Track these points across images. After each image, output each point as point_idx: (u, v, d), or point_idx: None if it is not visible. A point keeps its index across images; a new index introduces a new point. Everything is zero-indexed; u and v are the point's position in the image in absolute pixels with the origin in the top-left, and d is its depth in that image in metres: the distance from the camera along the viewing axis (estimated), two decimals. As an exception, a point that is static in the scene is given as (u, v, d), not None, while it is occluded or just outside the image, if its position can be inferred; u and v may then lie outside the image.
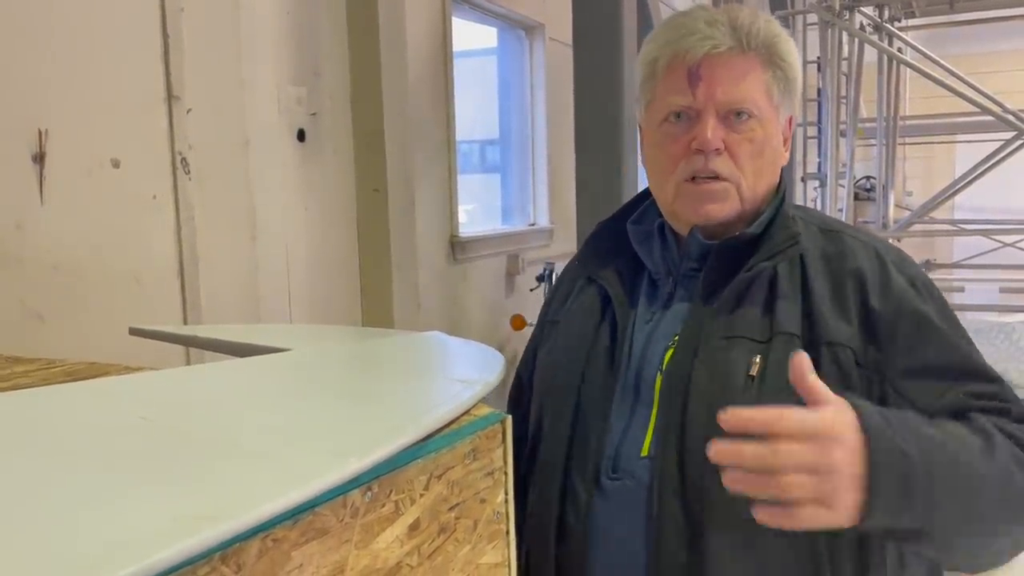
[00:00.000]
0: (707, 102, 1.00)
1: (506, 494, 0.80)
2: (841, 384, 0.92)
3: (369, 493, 0.61)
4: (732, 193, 1.02)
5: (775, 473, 0.76)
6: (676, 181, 1.03)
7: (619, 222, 1.15)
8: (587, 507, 1.01)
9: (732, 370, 0.96)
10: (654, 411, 1.00)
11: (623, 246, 1.13)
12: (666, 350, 1.02)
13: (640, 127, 1.12)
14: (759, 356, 0.96)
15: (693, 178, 1.02)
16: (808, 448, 0.77)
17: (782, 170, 1.09)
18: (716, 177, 1.01)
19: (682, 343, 1.01)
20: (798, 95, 1.09)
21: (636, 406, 1.02)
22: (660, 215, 1.11)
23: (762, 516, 0.78)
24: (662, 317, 1.06)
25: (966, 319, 4.40)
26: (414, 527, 0.67)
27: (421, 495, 0.67)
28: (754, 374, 0.95)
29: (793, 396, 0.81)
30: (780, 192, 1.07)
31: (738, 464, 0.77)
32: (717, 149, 1.00)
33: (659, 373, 1.01)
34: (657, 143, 1.06)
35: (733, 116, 1.01)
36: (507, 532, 0.80)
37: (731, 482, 0.78)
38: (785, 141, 1.09)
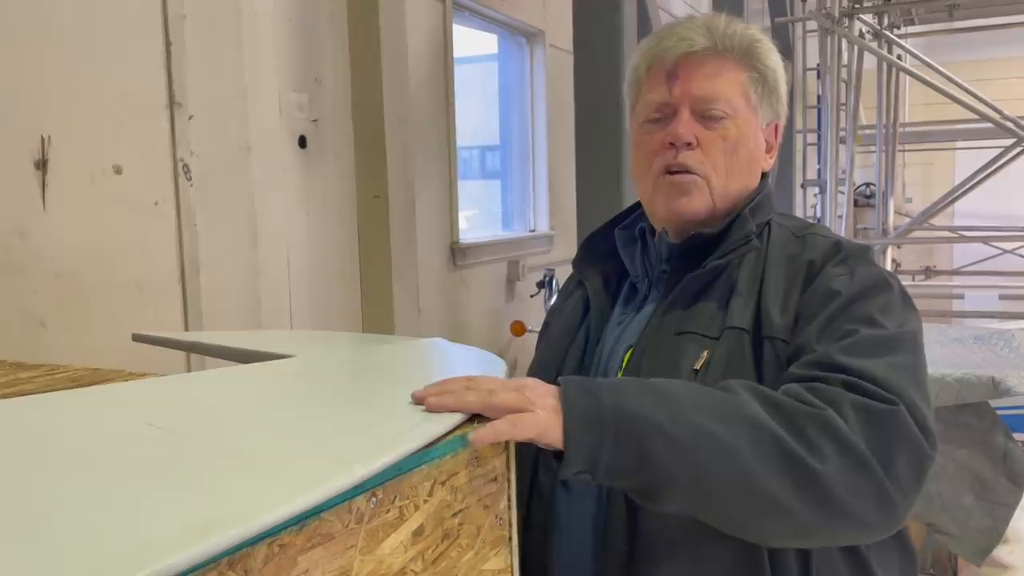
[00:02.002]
0: (682, 97, 1.04)
1: (508, 500, 0.80)
2: (781, 376, 0.91)
3: (374, 499, 0.62)
4: (703, 188, 1.04)
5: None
6: (653, 176, 1.06)
7: (612, 228, 1.17)
8: (549, 500, 1.03)
9: (678, 364, 0.97)
10: None
11: (613, 251, 1.15)
12: (628, 350, 1.04)
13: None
14: (707, 351, 0.97)
15: (667, 172, 1.05)
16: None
17: (766, 176, 1.10)
18: (687, 171, 1.03)
19: (640, 343, 1.02)
20: (783, 101, 1.10)
21: None
22: (645, 220, 1.13)
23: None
24: (632, 319, 1.07)
25: (965, 326, 4.40)
26: (418, 533, 0.67)
27: (425, 501, 0.68)
28: (699, 368, 0.96)
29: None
30: (757, 196, 1.07)
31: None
32: (688, 143, 1.03)
33: (619, 372, 1.03)
34: (637, 142, 1.10)
35: (708, 116, 1.04)
36: (510, 538, 0.80)
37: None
38: (771, 148, 1.10)
